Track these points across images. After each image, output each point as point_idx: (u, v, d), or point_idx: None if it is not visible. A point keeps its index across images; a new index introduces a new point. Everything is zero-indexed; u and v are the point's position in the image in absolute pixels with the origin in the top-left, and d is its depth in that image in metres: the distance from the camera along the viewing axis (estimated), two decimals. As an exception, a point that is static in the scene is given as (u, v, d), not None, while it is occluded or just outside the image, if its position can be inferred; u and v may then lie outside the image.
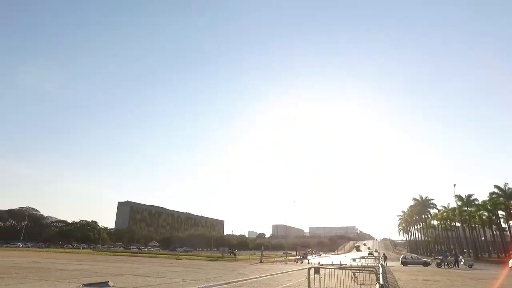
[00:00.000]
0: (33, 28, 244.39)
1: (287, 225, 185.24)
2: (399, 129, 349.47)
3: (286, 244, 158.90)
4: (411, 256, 48.52)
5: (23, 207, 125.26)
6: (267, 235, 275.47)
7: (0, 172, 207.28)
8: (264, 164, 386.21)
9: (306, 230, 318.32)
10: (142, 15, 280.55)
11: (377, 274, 11.31)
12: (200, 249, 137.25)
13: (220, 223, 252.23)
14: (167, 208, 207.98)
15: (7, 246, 79.58)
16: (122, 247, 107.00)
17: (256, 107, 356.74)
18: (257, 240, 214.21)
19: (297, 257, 59.96)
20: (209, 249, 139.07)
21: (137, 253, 63.17)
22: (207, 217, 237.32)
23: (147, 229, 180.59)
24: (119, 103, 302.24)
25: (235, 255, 61.18)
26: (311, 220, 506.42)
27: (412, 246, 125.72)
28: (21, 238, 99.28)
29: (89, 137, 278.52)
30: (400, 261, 44.98)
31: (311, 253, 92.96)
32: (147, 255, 53.70)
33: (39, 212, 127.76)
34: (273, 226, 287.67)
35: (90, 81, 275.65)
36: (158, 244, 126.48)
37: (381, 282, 8.83)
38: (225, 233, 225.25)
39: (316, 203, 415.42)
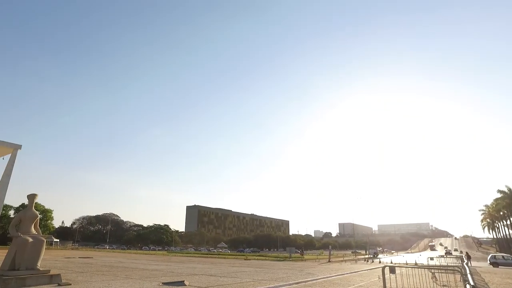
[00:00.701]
0: (104, 49, 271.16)
1: (354, 223, 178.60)
2: (475, 114, 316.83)
3: (354, 242, 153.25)
4: (503, 255, 42.70)
5: (106, 213, 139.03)
6: (334, 234, 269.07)
7: (83, 182, 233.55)
8: (328, 162, 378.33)
9: (375, 228, 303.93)
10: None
11: (463, 275, 10.23)
12: (267, 250, 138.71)
13: (285, 223, 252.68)
14: (233, 210, 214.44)
15: (97, 247, 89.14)
16: (193, 248, 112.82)
17: (319, 104, 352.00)
18: (324, 239, 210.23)
19: (367, 256, 57.47)
20: (275, 250, 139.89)
21: (207, 254, 65.99)
22: (272, 218, 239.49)
23: (215, 231, 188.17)
24: (182, 112, 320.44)
25: (302, 255, 60.63)
26: (379, 217, 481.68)
27: (502, 244, 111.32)
28: (107, 240, 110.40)
29: (157, 146, 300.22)
30: (489, 262, 40.20)
31: (382, 252, 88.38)
32: (217, 256, 55.75)
33: (119, 217, 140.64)
34: (339, 224, 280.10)
35: (155, 93, 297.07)
36: (226, 245, 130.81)
37: (472, 283, 7.92)
38: (290, 233, 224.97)
39: (384, 199, 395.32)
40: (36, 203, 13.96)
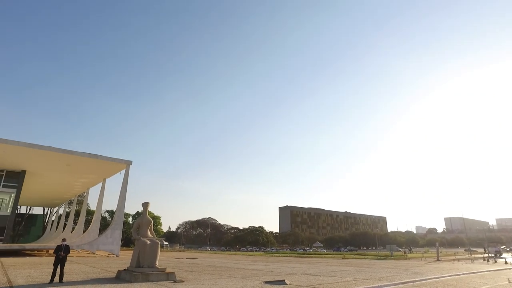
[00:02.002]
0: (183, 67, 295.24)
1: (464, 217, 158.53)
2: None
3: (467, 239, 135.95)
4: None
5: (205, 218, 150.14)
6: (439, 230, 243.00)
7: (182, 190, 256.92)
8: (426, 150, 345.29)
9: (492, 222, 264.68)
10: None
11: None
12: (364, 248, 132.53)
13: (382, 220, 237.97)
14: (325, 209, 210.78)
15: (200, 249, 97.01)
16: (289, 249, 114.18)
17: (414, 90, 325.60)
18: (428, 236, 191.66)
19: (486, 254, 50.19)
20: (373, 248, 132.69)
21: (303, 254, 66.05)
22: (367, 215, 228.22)
23: (309, 231, 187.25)
24: (266, 114, 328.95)
25: (405, 253, 56.14)
26: (497, 210, 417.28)
27: None
28: (208, 243, 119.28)
29: (246, 151, 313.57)
30: None
31: (507, 250, 75.95)
32: (313, 255, 55.39)
33: (217, 221, 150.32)
34: (446, 219, 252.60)
35: (239, 100, 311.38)
36: (322, 245, 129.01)
37: None
38: (388, 230, 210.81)
39: (503, 188, 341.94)
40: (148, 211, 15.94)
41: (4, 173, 38.29)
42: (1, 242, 35.42)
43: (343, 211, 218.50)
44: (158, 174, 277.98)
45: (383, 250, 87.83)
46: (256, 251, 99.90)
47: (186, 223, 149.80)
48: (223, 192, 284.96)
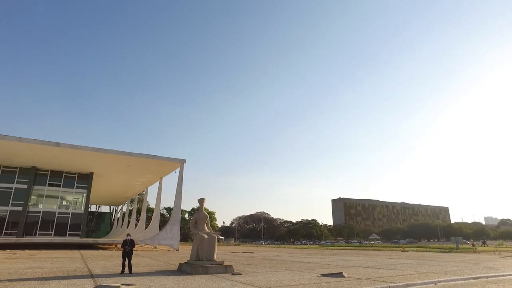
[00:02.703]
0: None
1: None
2: None
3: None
4: None
5: (258, 212, 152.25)
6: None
7: (234, 185, 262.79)
8: (493, 130, 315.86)
9: None
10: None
11: None
12: (425, 240, 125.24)
13: (444, 210, 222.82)
14: (380, 200, 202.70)
15: (254, 243, 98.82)
16: (343, 241, 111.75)
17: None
18: (501, 228, 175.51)
19: None
20: (435, 240, 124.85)
21: (358, 246, 64.25)
22: (427, 205, 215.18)
23: (364, 223, 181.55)
24: (314, 105, 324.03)
25: (474, 246, 51.91)
26: None
27: None
28: (262, 237, 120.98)
29: (295, 144, 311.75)
30: None
31: None
32: (370, 248, 53.64)
33: (270, 215, 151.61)
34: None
35: (284, 94, 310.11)
36: (378, 237, 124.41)
37: None
38: (452, 221, 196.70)
39: None
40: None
41: (76, 175, 42.36)
42: (78, 237, 39.31)
43: (399, 201, 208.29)
44: (211, 172, 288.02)
45: (447, 242, 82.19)
46: (310, 244, 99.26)
47: (240, 217, 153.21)
48: (274, 187, 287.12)
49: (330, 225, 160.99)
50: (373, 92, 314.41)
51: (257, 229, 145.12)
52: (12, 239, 33.88)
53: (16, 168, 39.49)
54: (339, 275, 13.30)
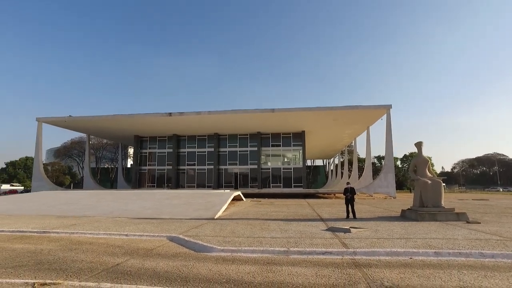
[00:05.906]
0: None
1: None
2: None
3: None
4: None
5: (489, 154, 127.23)
6: None
7: (456, 126, 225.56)
8: None
9: None
10: None
11: None
12: None
13: None
14: None
15: (487, 190, 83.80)
16: None
17: None
18: None
19: None
20: None
21: None
22: None
23: None
24: None
25: None
26: None
27: None
28: (498, 182, 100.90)
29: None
30: None
31: None
32: None
33: (508, 156, 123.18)
34: None
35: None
36: None
37: None
38: None
39: None
40: (413, 152, 15.31)
41: (291, 135, 48.43)
42: (302, 188, 45.51)
43: None
44: (420, 115, 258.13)
45: None
46: None
47: (463, 161, 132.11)
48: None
49: None
50: None
51: (489, 174, 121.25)
52: (255, 190, 43.19)
53: (247, 134, 49.15)
54: None
